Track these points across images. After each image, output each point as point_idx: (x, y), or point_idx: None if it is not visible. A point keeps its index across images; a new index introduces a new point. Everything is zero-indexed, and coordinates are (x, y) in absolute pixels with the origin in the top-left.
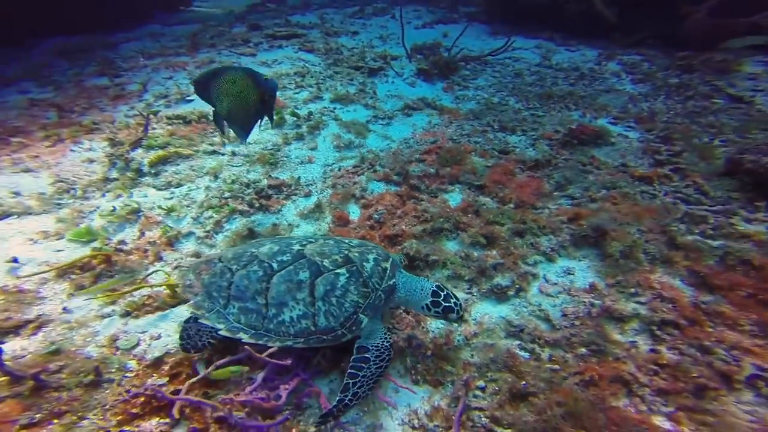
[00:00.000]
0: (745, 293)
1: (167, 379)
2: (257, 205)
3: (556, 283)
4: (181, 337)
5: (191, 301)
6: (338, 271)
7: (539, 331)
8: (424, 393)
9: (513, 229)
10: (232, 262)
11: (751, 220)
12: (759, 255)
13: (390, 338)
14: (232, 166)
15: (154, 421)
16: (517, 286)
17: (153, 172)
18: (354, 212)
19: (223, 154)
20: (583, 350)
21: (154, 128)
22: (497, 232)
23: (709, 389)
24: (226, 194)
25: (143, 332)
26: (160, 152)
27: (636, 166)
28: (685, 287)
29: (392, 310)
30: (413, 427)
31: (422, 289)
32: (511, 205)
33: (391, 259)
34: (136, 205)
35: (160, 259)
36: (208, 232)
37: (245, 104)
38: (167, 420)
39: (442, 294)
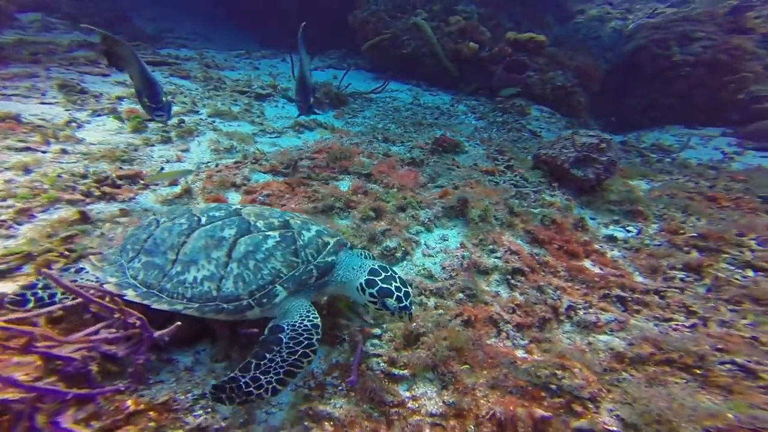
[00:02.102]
0: (557, 245)
1: None
2: (98, 194)
3: (434, 248)
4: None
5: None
6: (269, 233)
7: (424, 285)
8: (321, 353)
9: (397, 205)
10: (164, 215)
11: (553, 194)
12: (559, 216)
13: (314, 318)
14: (61, 162)
15: None
16: (403, 248)
17: None
18: (234, 199)
19: (44, 152)
20: (461, 295)
21: None
22: (384, 207)
23: (548, 321)
24: (45, 185)
25: None
26: None
27: (483, 166)
28: (524, 243)
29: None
30: (309, 388)
31: (360, 267)
32: (395, 189)
33: (338, 238)
34: None
35: None
36: (3, 220)
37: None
38: None
39: (382, 274)
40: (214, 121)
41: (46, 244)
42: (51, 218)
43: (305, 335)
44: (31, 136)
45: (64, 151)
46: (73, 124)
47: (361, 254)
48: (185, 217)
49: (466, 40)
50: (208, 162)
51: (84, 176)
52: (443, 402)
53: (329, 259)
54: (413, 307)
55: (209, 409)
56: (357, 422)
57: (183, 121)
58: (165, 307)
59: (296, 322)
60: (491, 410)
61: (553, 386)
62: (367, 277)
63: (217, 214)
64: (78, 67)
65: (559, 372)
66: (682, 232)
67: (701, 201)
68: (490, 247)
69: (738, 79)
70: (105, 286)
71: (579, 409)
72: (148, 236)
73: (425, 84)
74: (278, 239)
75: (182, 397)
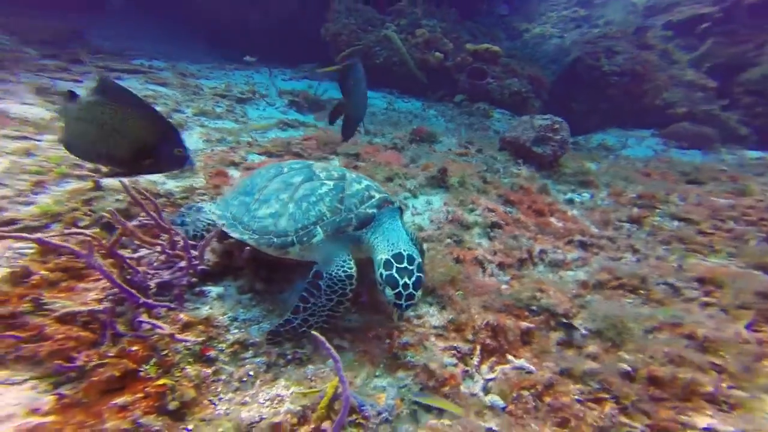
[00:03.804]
0: (526, 205)
1: None
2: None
3: (421, 209)
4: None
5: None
6: (326, 181)
7: (416, 234)
8: None
9: (385, 176)
10: (263, 168)
11: (519, 169)
12: (525, 183)
13: (349, 269)
14: (59, 149)
15: None
16: None
17: None
18: (234, 175)
19: (40, 140)
20: (449, 240)
21: None
22: (373, 177)
23: (524, 261)
24: (51, 164)
25: None
26: None
27: (457, 150)
28: (499, 204)
29: None
30: None
31: (394, 244)
32: (382, 165)
33: (386, 196)
34: None
35: None
36: (21, 190)
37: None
38: None
39: (403, 264)
40: (200, 119)
41: (71, 204)
42: (65, 189)
43: (339, 285)
44: (25, 127)
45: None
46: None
47: (402, 225)
48: (274, 167)
49: (431, 51)
50: (203, 149)
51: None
52: (444, 318)
53: (370, 211)
54: (408, 312)
55: (243, 329)
56: (373, 327)
57: (170, 118)
58: (236, 235)
59: (333, 270)
60: (486, 320)
61: (534, 306)
62: (388, 257)
63: (295, 166)
64: (48, 73)
65: (537, 294)
66: (624, 194)
67: (638, 174)
68: (470, 206)
69: (653, 87)
70: (207, 215)
71: (555, 323)
72: (250, 181)
73: (398, 91)
74: (330, 187)
75: (220, 317)
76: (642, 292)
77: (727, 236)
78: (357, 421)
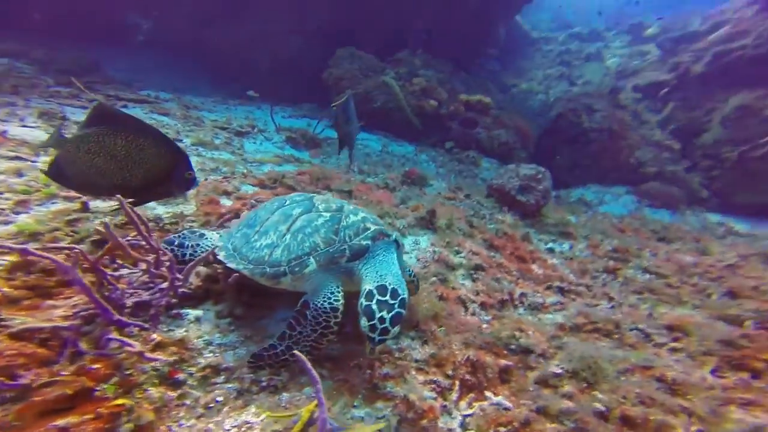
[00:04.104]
0: (509, 251)
1: None
2: None
3: (409, 249)
4: (169, 242)
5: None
6: (323, 213)
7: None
8: None
9: (376, 214)
10: (268, 201)
11: (504, 216)
12: (509, 229)
13: (335, 302)
14: None
15: None
16: None
17: None
18: (225, 204)
19: (34, 162)
20: (434, 278)
21: None
22: None
23: (505, 302)
24: (40, 184)
25: None
26: None
27: (446, 193)
28: (483, 248)
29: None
30: None
31: (383, 276)
32: (374, 203)
33: (381, 228)
34: None
35: None
36: (1, 209)
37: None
38: None
39: (385, 297)
40: (197, 149)
41: (53, 224)
42: (50, 209)
43: (324, 317)
44: (21, 148)
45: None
46: None
47: (398, 259)
48: (278, 201)
49: (427, 99)
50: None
51: None
52: (425, 352)
53: (364, 243)
54: (379, 347)
55: (218, 353)
56: (354, 357)
57: None
58: (233, 265)
59: (319, 302)
60: (466, 355)
61: (513, 345)
62: (371, 288)
63: (297, 198)
64: (59, 99)
65: (517, 333)
66: (601, 247)
67: (614, 230)
68: (456, 248)
69: (627, 145)
70: (208, 245)
71: (533, 364)
72: (254, 214)
73: (393, 135)
74: (327, 218)
75: (195, 340)
76: (616, 336)
77: (692, 290)
78: None
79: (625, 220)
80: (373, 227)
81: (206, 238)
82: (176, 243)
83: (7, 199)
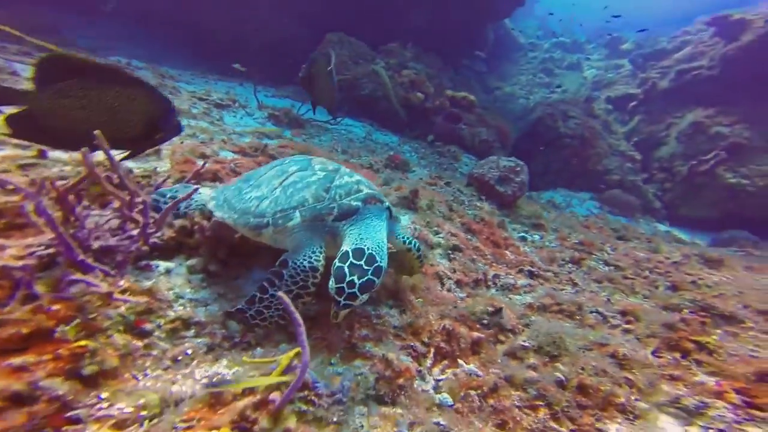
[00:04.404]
0: (485, 236)
1: None
2: None
3: None
4: (161, 194)
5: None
6: (318, 171)
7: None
8: None
9: None
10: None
11: (482, 204)
12: (486, 216)
13: (315, 261)
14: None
15: None
16: None
17: None
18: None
19: None
20: None
21: None
22: None
23: (479, 282)
24: None
25: None
26: None
27: (427, 180)
28: (461, 231)
29: None
30: None
31: (363, 238)
32: None
33: (374, 192)
34: None
35: None
36: None
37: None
38: None
39: (358, 261)
40: None
41: (1, 167)
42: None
43: (302, 275)
44: None
45: None
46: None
47: (387, 226)
48: (279, 162)
49: (414, 91)
50: (174, 141)
51: None
52: (404, 320)
53: (354, 204)
54: (343, 312)
55: (188, 307)
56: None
57: None
58: (219, 214)
59: (299, 260)
60: (442, 325)
61: (485, 321)
62: (348, 249)
63: (297, 158)
64: (7, 55)
65: (489, 309)
66: (569, 239)
67: (580, 226)
68: (435, 228)
69: (595, 153)
70: (199, 196)
71: (503, 337)
72: (253, 172)
73: (378, 124)
74: (321, 177)
75: (165, 291)
76: (578, 317)
77: (643, 281)
78: (308, 397)
79: (590, 219)
80: (366, 190)
81: (199, 193)
82: (168, 195)
83: None
